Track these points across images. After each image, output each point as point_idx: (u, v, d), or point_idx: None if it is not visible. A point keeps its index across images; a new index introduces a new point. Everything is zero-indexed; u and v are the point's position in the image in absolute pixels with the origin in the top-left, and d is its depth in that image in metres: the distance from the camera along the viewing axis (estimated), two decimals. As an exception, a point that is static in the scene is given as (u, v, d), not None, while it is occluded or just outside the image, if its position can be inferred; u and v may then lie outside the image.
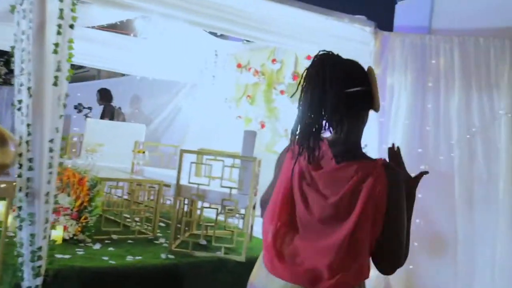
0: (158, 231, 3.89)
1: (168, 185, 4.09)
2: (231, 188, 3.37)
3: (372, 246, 1.45)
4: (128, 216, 3.98)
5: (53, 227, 3.10)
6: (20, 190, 2.45)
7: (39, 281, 2.51)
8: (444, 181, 3.32)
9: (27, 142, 2.43)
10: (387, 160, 1.54)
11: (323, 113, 1.43)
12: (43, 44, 2.43)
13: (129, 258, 3.09)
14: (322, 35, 3.51)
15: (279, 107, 5.18)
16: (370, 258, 1.50)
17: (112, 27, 5.06)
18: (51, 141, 2.48)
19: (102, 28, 5.13)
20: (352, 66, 1.51)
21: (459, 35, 3.55)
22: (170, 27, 5.05)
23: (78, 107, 6.98)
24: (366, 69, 1.52)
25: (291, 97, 1.52)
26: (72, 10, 2.53)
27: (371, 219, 1.41)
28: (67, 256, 2.93)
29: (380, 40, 3.73)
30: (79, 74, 12.16)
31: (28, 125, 2.42)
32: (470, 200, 3.41)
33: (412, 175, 1.61)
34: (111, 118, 6.50)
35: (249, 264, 1.61)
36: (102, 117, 6.52)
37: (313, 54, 1.49)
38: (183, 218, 3.63)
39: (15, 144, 2.42)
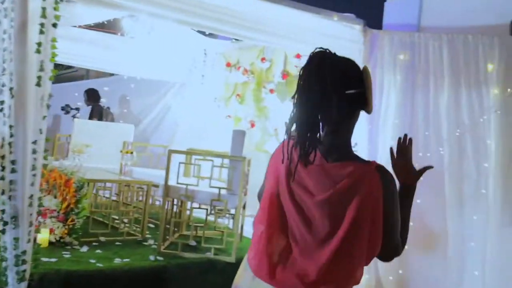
0: (147, 232, 3.84)
1: (156, 186, 4.05)
2: (220, 188, 3.34)
3: (369, 251, 1.42)
4: (117, 217, 3.93)
5: (37, 230, 3.04)
6: (3, 193, 2.39)
7: (23, 285, 2.46)
8: (434, 178, 3.31)
9: (9, 143, 2.38)
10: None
11: (320, 113, 1.41)
12: (25, 43, 2.38)
13: (117, 260, 3.05)
14: (311, 34, 3.49)
15: (268, 106, 5.15)
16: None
17: (99, 26, 4.99)
18: (34, 142, 2.43)
19: (89, 27, 5.07)
20: (349, 66, 1.49)
21: (448, 32, 3.54)
22: (158, 26, 5.00)
23: (65, 108, 6.88)
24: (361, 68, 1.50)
25: (292, 97, 1.49)
26: (55, 9, 2.49)
27: (368, 225, 1.38)
28: (53, 260, 2.88)
29: (369, 38, 3.72)
30: (68, 74, 12.04)
31: (11, 126, 2.37)
32: (460, 197, 3.41)
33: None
34: (100, 118, 6.42)
35: (239, 265, 1.59)
36: (90, 118, 6.43)
37: (302, 53, 1.47)
38: (172, 219, 3.59)
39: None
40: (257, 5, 3.23)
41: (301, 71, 1.45)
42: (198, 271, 3.18)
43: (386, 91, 3.66)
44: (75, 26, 4.80)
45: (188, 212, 3.98)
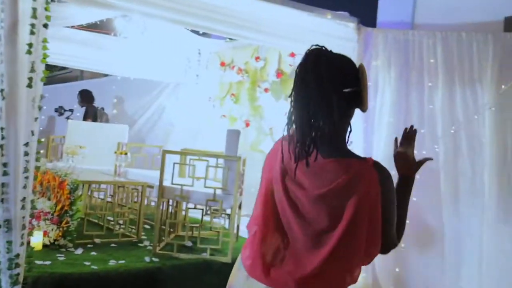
0: (143, 233, 3.82)
1: (151, 186, 4.03)
2: (215, 188, 3.32)
3: (369, 250, 1.40)
4: (112, 219, 3.90)
5: (30, 233, 3.02)
6: (-5, 196, 2.36)
7: (17, 289, 2.43)
8: (429, 176, 3.31)
9: (1, 146, 2.35)
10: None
11: (317, 110, 1.39)
12: (16, 44, 2.34)
13: (112, 262, 3.03)
14: (305, 32, 3.48)
15: (263, 105, 5.14)
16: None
17: (92, 27, 4.96)
18: (26, 144, 2.40)
19: (82, 28, 5.03)
20: (344, 63, 1.48)
21: (442, 30, 3.54)
22: (151, 26, 4.98)
23: (59, 110, 6.85)
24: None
25: (289, 96, 1.48)
26: (46, 9, 2.46)
27: (366, 224, 1.37)
28: (47, 263, 2.86)
29: (363, 36, 3.71)
30: (62, 75, 11.98)
31: (2, 128, 2.34)
32: (455, 195, 3.41)
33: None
34: (94, 119, 6.39)
35: (235, 265, 1.58)
36: (84, 119, 6.39)
37: (296, 51, 1.46)
38: (167, 220, 3.57)
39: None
40: (251, 4, 3.21)
41: (298, 69, 1.44)
42: (194, 272, 3.16)
43: (380, 89, 3.66)
44: (67, 27, 4.76)
45: (183, 213, 3.96)
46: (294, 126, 1.42)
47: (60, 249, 3.21)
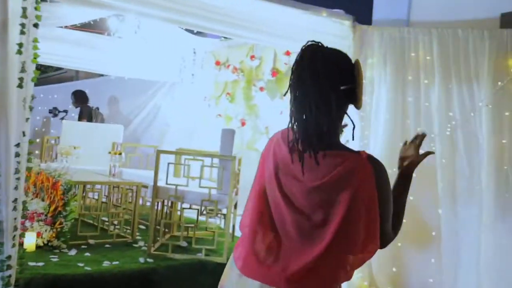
0: (138, 234, 3.79)
1: (146, 186, 4.00)
2: (210, 188, 3.29)
3: (367, 244, 1.39)
4: (106, 219, 3.87)
5: (22, 234, 2.98)
6: (-15, 197, 2.33)
7: (9, 291, 2.40)
8: (426, 174, 3.29)
9: (-9, 147, 2.31)
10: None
11: (314, 106, 1.38)
12: (5, 44, 2.31)
13: (106, 263, 2.99)
14: (300, 31, 3.45)
15: (258, 104, 5.12)
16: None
17: (86, 27, 4.92)
18: (17, 145, 2.37)
19: (75, 27, 5.00)
20: (340, 58, 1.48)
21: (437, 27, 3.52)
22: (145, 25, 4.94)
23: (53, 111, 6.80)
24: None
25: (284, 95, 1.48)
26: (36, 9, 2.42)
27: (363, 218, 1.35)
28: (40, 264, 2.83)
29: (358, 34, 3.68)
30: (57, 75, 11.92)
31: (-8, 129, 2.31)
32: (453, 193, 3.39)
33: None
34: (89, 120, 6.34)
35: (231, 265, 1.55)
36: (79, 119, 6.35)
37: (291, 50, 1.45)
38: (162, 220, 3.54)
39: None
40: (245, 2, 3.19)
41: (294, 66, 1.44)
42: (189, 272, 3.13)
43: (376, 87, 3.63)
44: (61, 27, 4.72)
45: (178, 213, 3.93)
46: (292, 123, 1.42)
47: (53, 250, 3.18)
